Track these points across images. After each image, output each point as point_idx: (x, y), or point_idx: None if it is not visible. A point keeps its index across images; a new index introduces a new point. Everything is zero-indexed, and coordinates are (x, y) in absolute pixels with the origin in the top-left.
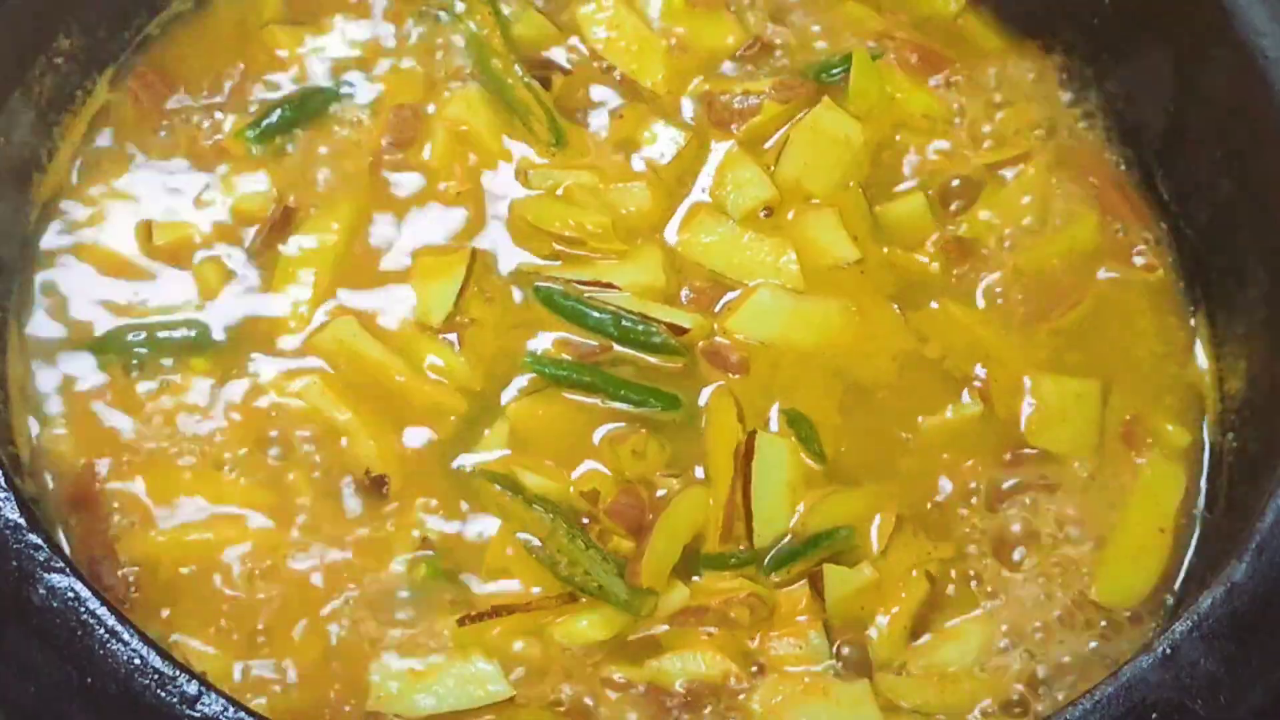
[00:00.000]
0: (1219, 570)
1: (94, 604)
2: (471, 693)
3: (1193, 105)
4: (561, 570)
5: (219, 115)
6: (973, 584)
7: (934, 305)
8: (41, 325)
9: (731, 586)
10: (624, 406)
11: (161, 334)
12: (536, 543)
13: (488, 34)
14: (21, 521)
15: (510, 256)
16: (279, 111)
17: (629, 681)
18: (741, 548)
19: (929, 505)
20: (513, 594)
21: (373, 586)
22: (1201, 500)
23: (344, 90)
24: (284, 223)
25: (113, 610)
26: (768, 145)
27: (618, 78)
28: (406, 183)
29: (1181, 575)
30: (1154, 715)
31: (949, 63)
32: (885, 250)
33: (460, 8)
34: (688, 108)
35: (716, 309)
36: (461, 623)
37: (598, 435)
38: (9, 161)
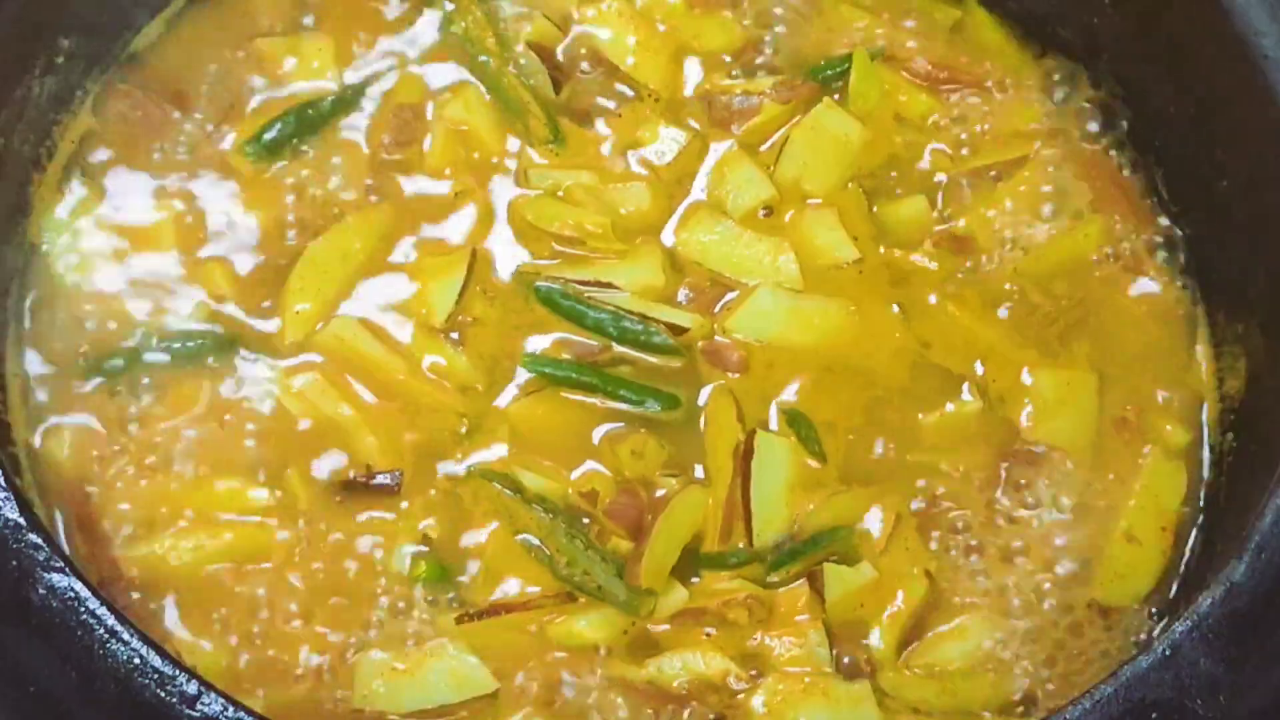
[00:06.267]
0: (1219, 570)
1: (94, 604)
2: (455, 687)
3: (1192, 105)
4: (560, 570)
5: (221, 125)
6: (972, 582)
7: (933, 304)
8: (41, 328)
9: (730, 588)
10: (623, 406)
11: (162, 337)
12: (536, 542)
13: (481, 33)
14: (21, 521)
15: (510, 256)
16: (279, 125)
17: (628, 681)
18: (741, 547)
19: (929, 504)
20: (512, 593)
21: (372, 584)
22: (1201, 500)
23: (343, 95)
24: (285, 228)
25: (113, 610)
26: (767, 145)
27: (618, 77)
28: (407, 183)
29: (1181, 575)
30: (1154, 715)
31: (957, 81)
32: (884, 250)
33: (449, 7)
34: (688, 108)
35: (716, 309)
36: (460, 621)
37: (597, 435)
38: (9, 161)
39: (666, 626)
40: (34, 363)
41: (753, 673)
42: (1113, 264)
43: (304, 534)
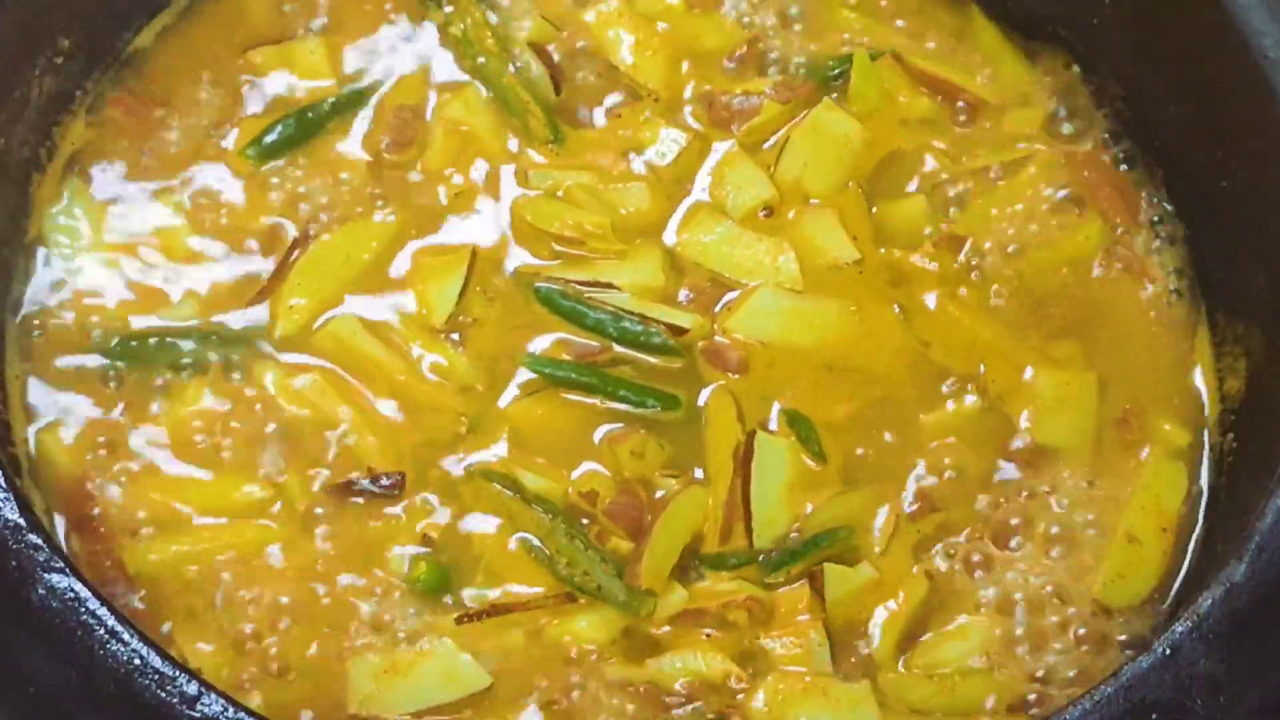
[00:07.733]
0: (1219, 570)
1: (94, 604)
2: (449, 686)
3: (1193, 105)
4: (560, 570)
5: (221, 126)
6: (972, 582)
7: (933, 305)
8: (41, 328)
9: (730, 589)
10: (623, 407)
11: (162, 338)
12: (536, 543)
13: (480, 34)
14: (21, 522)
15: (510, 257)
16: (279, 127)
17: (628, 681)
18: (741, 547)
19: (929, 504)
20: (511, 594)
21: (372, 585)
22: (1202, 500)
23: (342, 97)
24: (285, 230)
25: (113, 610)
26: (768, 145)
27: (618, 78)
28: (406, 183)
29: (1182, 575)
30: (1154, 715)
31: (957, 81)
32: (884, 250)
33: (449, 9)
34: (688, 108)
35: (716, 309)
36: (460, 621)
37: (597, 435)
38: (9, 161)
39: (667, 627)
40: (34, 363)
41: (753, 673)
42: (1112, 264)
43: (303, 534)
